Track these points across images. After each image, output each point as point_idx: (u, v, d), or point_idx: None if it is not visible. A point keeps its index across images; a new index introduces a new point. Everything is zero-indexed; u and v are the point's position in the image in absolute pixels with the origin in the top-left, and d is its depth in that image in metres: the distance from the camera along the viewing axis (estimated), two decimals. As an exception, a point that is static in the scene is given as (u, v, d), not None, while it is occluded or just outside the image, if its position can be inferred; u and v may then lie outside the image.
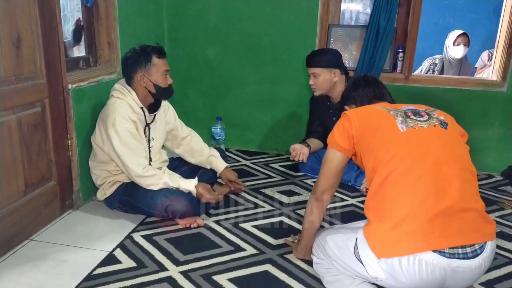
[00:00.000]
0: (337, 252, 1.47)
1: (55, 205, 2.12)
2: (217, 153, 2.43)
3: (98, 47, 2.51)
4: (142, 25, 2.83)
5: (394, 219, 1.27)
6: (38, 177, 1.99)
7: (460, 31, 3.54)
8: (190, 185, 2.07)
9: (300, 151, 2.55)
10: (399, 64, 2.96)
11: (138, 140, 2.05)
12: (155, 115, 2.19)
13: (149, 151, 2.17)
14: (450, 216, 1.25)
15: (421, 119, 1.42)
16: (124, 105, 2.04)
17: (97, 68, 2.49)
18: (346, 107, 1.71)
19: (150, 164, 2.13)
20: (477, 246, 1.26)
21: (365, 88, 1.65)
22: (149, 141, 2.17)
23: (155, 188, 2.03)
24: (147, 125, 2.15)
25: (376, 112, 1.48)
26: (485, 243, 1.28)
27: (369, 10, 3.04)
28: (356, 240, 1.39)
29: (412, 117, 1.42)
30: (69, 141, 2.15)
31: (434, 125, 1.40)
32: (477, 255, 1.25)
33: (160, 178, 2.03)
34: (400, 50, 2.94)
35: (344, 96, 1.75)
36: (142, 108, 2.10)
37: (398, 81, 2.94)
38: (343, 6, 3.09)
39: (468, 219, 1.27)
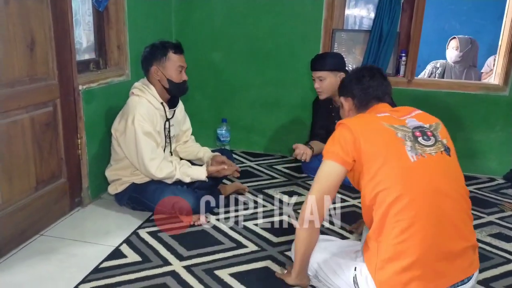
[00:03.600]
0: (328, 274, 1.47)
1: (64, 202, 2.19)
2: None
3: (108, 50, 2.59)
4: (150, 29, 2.91)
5: (403, 262, 1.25)
6: (49, 174, 2.07)
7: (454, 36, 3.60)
8: (200, 173, 2.16)
9: (304, 151, 2.60)
10: (402, 68, 3.00)
11: (153, 139, 2.12)
12: (174, 110, 2.28)
13: (171, 147, 2.30)
14: (453, 257, 1.28)
15: (429, 143, 1.35)
16: (144, 102, 2.12)
17: (107, 70, 2.57)
18: (342, 98, 1.59)
19: (171, 154, 2.29)
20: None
21: (370, 82, 1.50)
22: (170, 137, 2.26)
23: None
24: (168, 120, 2.23)
25: (383, 132, 1.34)
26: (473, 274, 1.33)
27: (373, 15, 3.09)
28: (355, 269, 1.38)
29: (420, 139, 1.34)
30: (79, 140, 2.22)
31: (441, 152, 1.35)
32: (464, 283, 1.31)
33: (173, 176, 2.13)
34: (403, 54, 2.98)
35: (342, 86, 1.59)
36: (162, 103, 2.19)
37: (401, 85, 2.99)
38: (347, 11, 3.14)
39: (466, 256, 1.31)
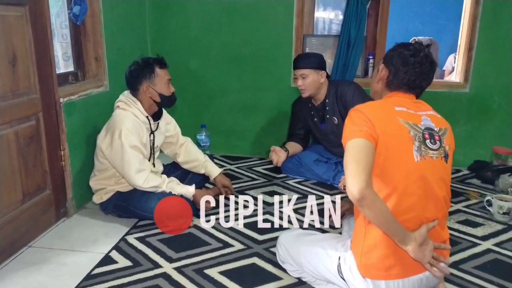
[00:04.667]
0: (314, 265, 1.57)
1: (50, 213, 2.22)
2: (210, 160, 2.59)
3: (86, 62, 2.63)
4: (127, 40, 2.97)
5: (388, 249, 1.36)
6: (34, 186, 2.10)
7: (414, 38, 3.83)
8: (188, 192, 2.24)
9: (278, 154, 2.75)
10: (370, 70, 3.17)
11: (140, 151, 2.17)
12: (158, 122, 2.34)
13: (154, 157, 2.34)
14: None
15: (434, 147, 1.40)
16: (130, 116, 2.17)
17: (86, 82, 2.60)
18: (382, 64, 1.54)
19: (154, 166, 2.32)
20: None
21: (414, 67, 1.45)
22: (153, 148, 2.32)
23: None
24: (152, 132, 2.29)
25: (396, 126, 1.38)
26: None
27: (340, 18, 3.24)
28: (339, 259, 1.48)
29: (428, 142, 1.40)
30: (62, 152, 2.26)
31: (441, 158, 1.42)
32: None
33: (160, 188, 2.18)
34: (371, 57, 3.15)
35: (391, 54, 1.52)
36: (147, 117, 2.24)
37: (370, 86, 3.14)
38: (316, 14, 3.28)
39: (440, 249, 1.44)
